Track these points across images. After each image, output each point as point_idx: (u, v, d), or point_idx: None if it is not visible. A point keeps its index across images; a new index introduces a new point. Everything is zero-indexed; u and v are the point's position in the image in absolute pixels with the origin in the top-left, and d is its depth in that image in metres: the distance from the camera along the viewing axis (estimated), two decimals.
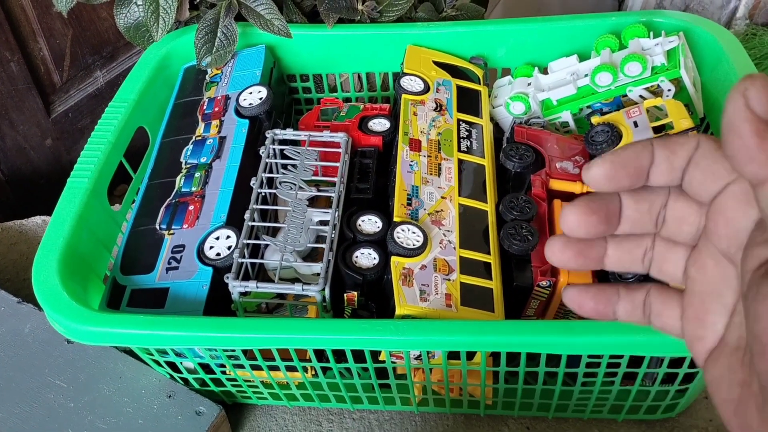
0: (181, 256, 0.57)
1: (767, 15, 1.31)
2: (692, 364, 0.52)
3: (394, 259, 0.53)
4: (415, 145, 0.63)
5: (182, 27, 0.77)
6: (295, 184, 0.60)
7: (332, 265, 0.55)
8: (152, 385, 0.59)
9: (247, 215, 0.57)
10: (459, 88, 0.70)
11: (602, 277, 0.56)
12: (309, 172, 0.61)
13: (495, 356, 0.53)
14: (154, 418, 0.57)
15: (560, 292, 0.55)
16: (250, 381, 0.58)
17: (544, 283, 0.54)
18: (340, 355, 0.52)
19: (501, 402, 0.58)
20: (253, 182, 0.60)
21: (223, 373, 0.57)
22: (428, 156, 0.62)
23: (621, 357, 0.50)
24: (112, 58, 1.04)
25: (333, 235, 0.56)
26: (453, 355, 0.52)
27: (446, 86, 0.70)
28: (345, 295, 0.54)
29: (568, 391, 0.56)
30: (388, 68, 0.76)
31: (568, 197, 0.61)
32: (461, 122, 0.66)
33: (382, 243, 0.56)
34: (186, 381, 0.59)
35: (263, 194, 0.61)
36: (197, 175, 0.63)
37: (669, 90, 0.65)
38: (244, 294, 0.54)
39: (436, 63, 0.73)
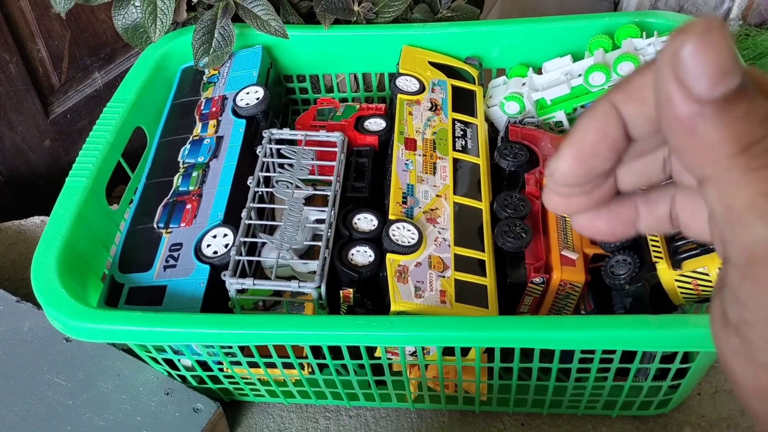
0: (179, 255, 0.57)
1: (760, 16, 1.32)
2: (684, 360, 0.53)
3: (389, 256, 0.54)
4: (410, 145, 0.63)
5: (180, 28, 0.77)
6: (291, 183, 0.61)
7: (328, 262, 0.55)
8: (150, 382, 0.60)
9: (244, 214, 0.58)
10: (454, 88, 0.71)
11: (595, 278, 0.56)
12: (305, 171, 0.62)
13: (490, 352, 0.53)
14: (152, 415, 0.57)
15: (553, 289, 0.56)
16: (247, 378, 0.59)
17: (538, 280, 0.55)
18: (336, 352, 0.53)
19: (496, 398, 0.59)
20: (250, 181, 0.61)
21: (221, 370, 0.58)
22: (423, 155, 0.63)
23: (613, 352, 0.51)
24: (111, 59, 1.05)
25: (329, 233, 0.57)
26: (448, 351, 0.52)
27: (441, 86, 0.70)
28: (341, 292, 0.55)
29: (562, 387, 0.56)
30: (384, 68, 0.77)
31: None
32: (456, 122, 0.67)
33: (378, 241, 0.56)
34: (184, 378, 0.60)
35: (260, 193, 0.61)
36: (195, 174, 0.63)
37: None
38: (241, 291, 0.55)
39: (432, 63, 0.73)
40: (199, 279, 0.55)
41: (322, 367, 0.56)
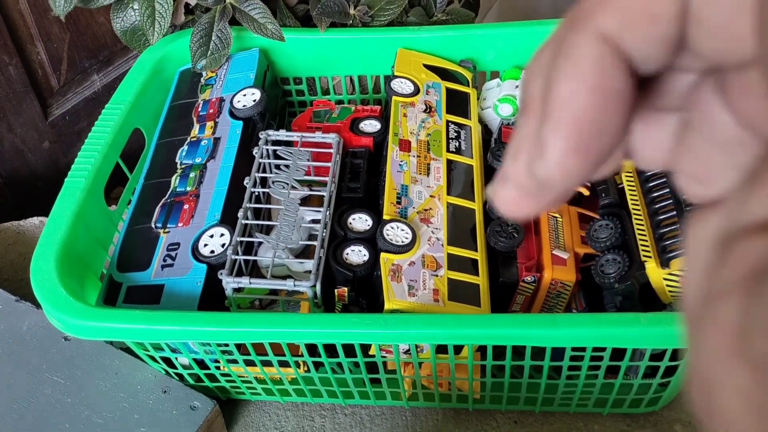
0: (176, 254, 0.58)
1: None
2: (674, 357, 0.54)
3: (383, 255, 0.55)
4: (404, 146, 0.64)
5: (178, 31, 0.78)
6: (287, 184, 0.61)
7: (323, 261, 0.56)
8: (148, 380, 0.60)
9: (240, 214, 0.59)
10: (448, 90, 0.72)
11: (587, 277, 0.57)
12: (301, 172, 0.63)
13: (482, 350, 0.54)
14: (150, 413, 0.58)
15: (545, 287, 0.56)
16: (243, 376, 0.60)
17: (529, 279, 0.55)
18: (331, 350, 0.54)
19: (489, 396, 0.60)
20: (247, 182, 0.61)
21: (218, 368, 0.58)
22: (417, 156, 0.63)
23: (604, 350, 0.52)
24: (109, 62, 1.06)
25: (324, 233, 0.58)
26: (441, 349, 0.53)
27: (436, 89, 0.71)
28: (336, 291, 0.56)
29: (554, 385, 0.57)
30: (379, 71, 0.78)
31: None
32: (450, 123, 0.68)
33: (372, 240, 0.57)
34: (181, 377, 0.60)
35: (257, 193, 0.62)
36: (192, 175, 0.64)
37: None
38: (237, 290, 0.55)
39: (427, 66, 0.74)
40: (197, 278, 0.56)
41: (318, 366, 0.57)
